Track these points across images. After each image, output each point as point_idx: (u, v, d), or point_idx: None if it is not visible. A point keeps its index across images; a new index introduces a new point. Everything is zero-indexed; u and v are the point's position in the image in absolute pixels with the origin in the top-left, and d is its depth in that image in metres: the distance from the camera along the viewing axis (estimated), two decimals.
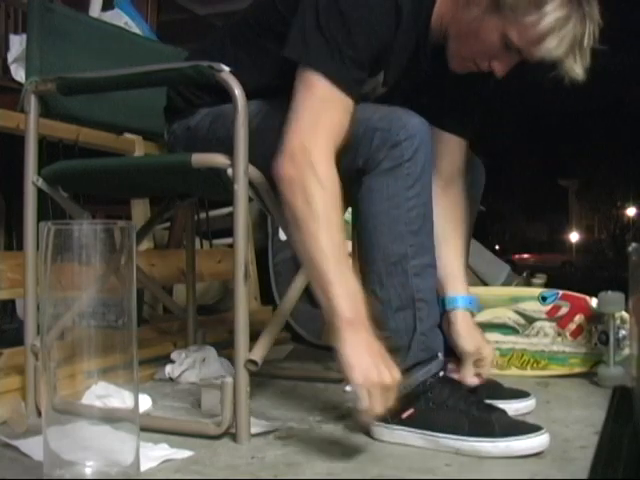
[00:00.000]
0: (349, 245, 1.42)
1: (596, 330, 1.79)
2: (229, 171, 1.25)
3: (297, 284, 1.44)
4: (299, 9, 1.23)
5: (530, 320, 1.85)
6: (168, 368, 1.76)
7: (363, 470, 1.11)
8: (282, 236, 2.47)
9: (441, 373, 1.25)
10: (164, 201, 1.77)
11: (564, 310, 1.83)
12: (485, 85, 1.46)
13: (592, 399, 1.59)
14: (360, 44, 1.19)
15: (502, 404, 1.32)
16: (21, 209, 1.42)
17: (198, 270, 1.98)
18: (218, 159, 1.27)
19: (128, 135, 2.18)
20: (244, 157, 1.24)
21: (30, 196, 1.43)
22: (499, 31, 1.22)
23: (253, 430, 1.25)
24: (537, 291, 1.90)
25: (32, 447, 1.13)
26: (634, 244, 1.41)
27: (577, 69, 1.22)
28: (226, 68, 1.24)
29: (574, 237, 33.41)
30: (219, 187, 1.31)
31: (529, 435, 1.17)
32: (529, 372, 1.82)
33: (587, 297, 1.83)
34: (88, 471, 0.96)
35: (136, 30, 2.31)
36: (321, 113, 1.18)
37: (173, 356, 1.79)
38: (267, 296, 2.54)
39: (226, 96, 1.25)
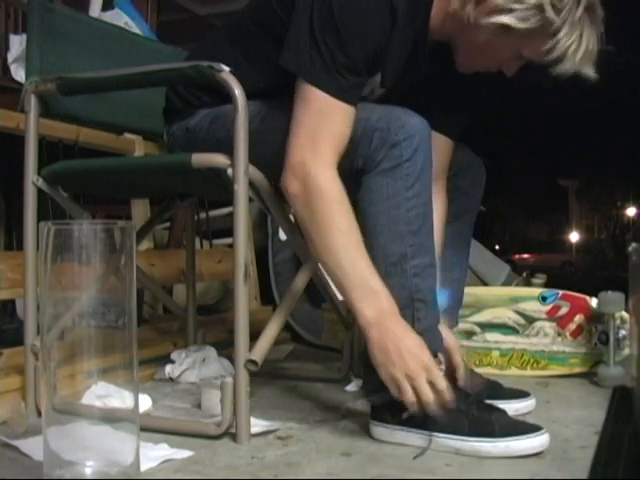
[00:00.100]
0: None
1: (596, 330, 1.79)
2: (229, 171, 1.25)
3: (297, 284, 1.44)
4: (294, 13, 1.23)
5: (530, 320, 1.85)
6: (168, 368, 1.76)
7: (363, 470, 1.11)
8: (282, 236, 2.47)
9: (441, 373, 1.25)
10: (164, 201, 1.77)
11: (564, 310, 1.83)
12: (483, 84, 1.46)
13: (592, 399, 1.59)
14: (354, 50, 1.19)
15: (502, 404, 1.32)
16: (21, 209, 1.42)
17: (198, 270, 1.99)
18: (218, 159, 1.27)
19: (128, 135, 2.18)
20: (244, 157, 1.24)
21: (30, 196, 1.43)
22: (512, 48, 1.25)
23: (253, 430, 1.25)
24: (537, 291, 1.90)
25: (32, 447, 1.13)
26: (634, 244, 1.41)
27: (590, 72, 1.24)
28: (226, 68, 1.24)
29: (574, 237, 33.43)
30: (219, 187, 1.31)
31: (529, 435, 1.17)
32: (529, 372, 1.82)
33: (587, 297, 1.83)
34: (88, 471, 0.96)
35: (136, 30, 2.31)
36: (319, 127, 1.20)
37: (173, 356, 1.79)
38: (267, 296, 2.54)
39: (225, 97, 1.25)
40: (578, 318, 1.82)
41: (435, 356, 1.23)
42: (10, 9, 2.46)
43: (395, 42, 1.25)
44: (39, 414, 1.32)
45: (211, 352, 1.80)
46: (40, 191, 1.44)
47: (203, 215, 2.50)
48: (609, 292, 1.75)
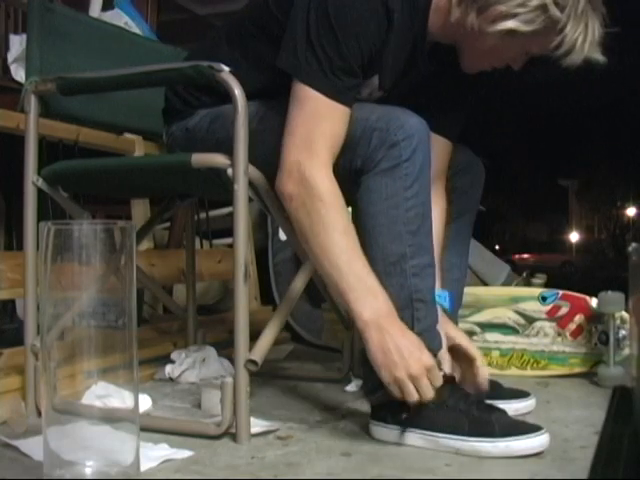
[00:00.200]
0: None
1: (596, 330, 1.79)
2: (229, 171, 1.25)
3: (297, 284, 1.44)
4: (291, 14, 1.23)
5: (530, 320, 1.85)
6: (168, 368, 1.76)
7: (363, 470, 1.11)
8: (282, 236, 2.47)
9: (441, 373, 1.25)
10: (164, 201, 1.77)
11: (564, 310, 1.83)
12: (483, 85, 1.46)
13: (592, 399, 1.59)
14: (350, 51, 1.19)
15: (502, 404, 1.32)
16: (21, 209, 1.42)
17: (198, 270, 1.99)
18: (218, 159, 1.27)
19: (128, 135, 2.18)
20: (244, 157, 1.24)
21: (30, 196, 1.43)
22: (520, 48, 1.25)
23: (253, 430, 1.25)
24: (537, 291, 1.90)
25: (32, 447, 1.13)
26: (634, 244, 1.41)
27: (599, 57, 1.23)
28: (226, 68, 1.24)
29: (574, 237, 33.44)
30: (219, 187, 1.31)
31: (529, 435, 1.17)
32: (529, 372, 1.82)
33: (587, 297, 1.83)
34: (88, 471, 0.96)
35: (136, 30, 2.31)
36: (313, 127, 1.20)
37: (173, 356, 1.79)
38: (267, 296, 2.54)
39: (225, 97, 1.25)
40: (578, 318, 1.82)
41: (435, 356, 1.23)
42: (10, 9, 2.46)
43: (392, 44, 1.25)
44: (39, 414, 1.32)
45: (211, 352, 1.80)
46: (40, 191, 1.44)
47: (203, 215, 2.50)
48: (609, 292, 1.75)
